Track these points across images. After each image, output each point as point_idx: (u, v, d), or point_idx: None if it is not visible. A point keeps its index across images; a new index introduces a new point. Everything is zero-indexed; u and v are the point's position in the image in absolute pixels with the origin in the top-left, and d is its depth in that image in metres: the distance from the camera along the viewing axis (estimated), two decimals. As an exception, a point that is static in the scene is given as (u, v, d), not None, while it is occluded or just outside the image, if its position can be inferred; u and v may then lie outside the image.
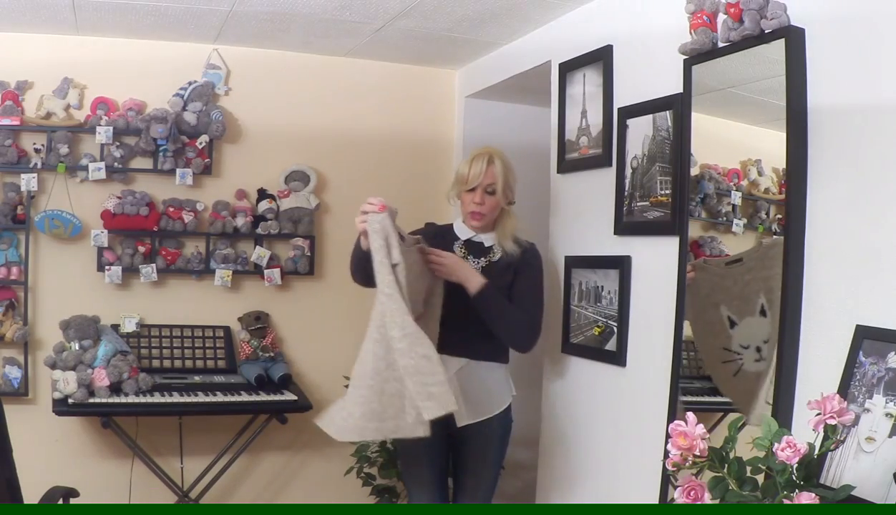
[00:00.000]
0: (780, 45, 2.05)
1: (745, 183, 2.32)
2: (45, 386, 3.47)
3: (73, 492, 2.41)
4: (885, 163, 1.83)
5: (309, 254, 3.90)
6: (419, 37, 3.60)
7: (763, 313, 2.25)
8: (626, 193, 2.77)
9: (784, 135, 2.05)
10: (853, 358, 1.83)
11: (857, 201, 1.90)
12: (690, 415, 1.56)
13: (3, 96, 3.48)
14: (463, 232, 2.75)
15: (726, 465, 1.55)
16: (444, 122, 4.23)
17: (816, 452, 1.53)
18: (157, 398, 3.27)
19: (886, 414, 1.72)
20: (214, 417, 3.61)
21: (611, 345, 2.80)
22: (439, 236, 2.72)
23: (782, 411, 2.01)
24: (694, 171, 2.43)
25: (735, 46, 2.21)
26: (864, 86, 1.89)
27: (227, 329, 3.80)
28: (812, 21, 2.03)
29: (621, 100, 2.83)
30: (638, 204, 2.70)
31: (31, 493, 2.36)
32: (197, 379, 3.52)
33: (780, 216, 2.17)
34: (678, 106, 2.49)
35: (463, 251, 2.69)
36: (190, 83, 3.74)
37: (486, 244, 2.72)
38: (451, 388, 2.13)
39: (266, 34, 3.62)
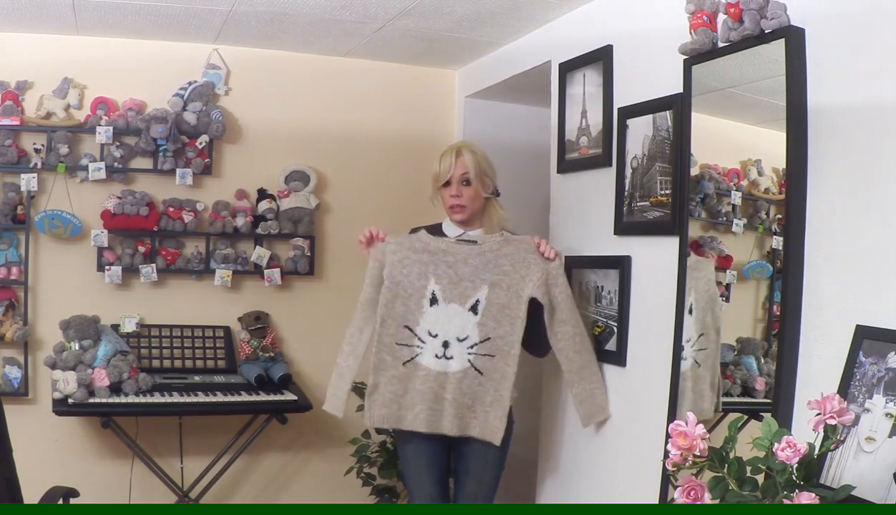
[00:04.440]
0: (780, 45, 2.05)
1: (745, 183, 2.32)
2: (45, 386, 3.47)
3: (73, 492, 2.41)
4: (885, 163, 1.83)
5: (309, 254, 3.90)
6: (419, 37, 3.60)
7: (689, 311, 2.41)
8: (626, 193, 2.77)
9: (784, 135, 2.05)
10: (853, 358, 1.83)
11: (857, 201, 1.90)
12: (690, 415, 1.56)
13: (3, 96, 3.48)
14: (452, 230, 2.74)
15: (726, 465, 1.55)
16: (444, 122, 4.23)
17: (816, 452, 1.53)
18: (157, 398, 3.27)
19: (886, 414, 1.72)
20: (214, 417, 3.62)
21: (611, 345, 2.80)
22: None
23: (782, 411, 2.01)
24: (694, 171, 2.43)
25: (735, 46, 2.21)
26: (864, 85, 1.89)
27: (227, 329, 3.80)
28: (812, 21, 2.02)
29: (621, 100, 2.83)
30: (638, 204, 2.70)
31: (31, 493, 2.36)
32: (197, 379, 3.52)
33: (780, 216, 2.17)
34: (678, 106, 2.48)
35: None
36: (190, 83, 3.74)
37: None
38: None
39: (266, 34, 3.62)
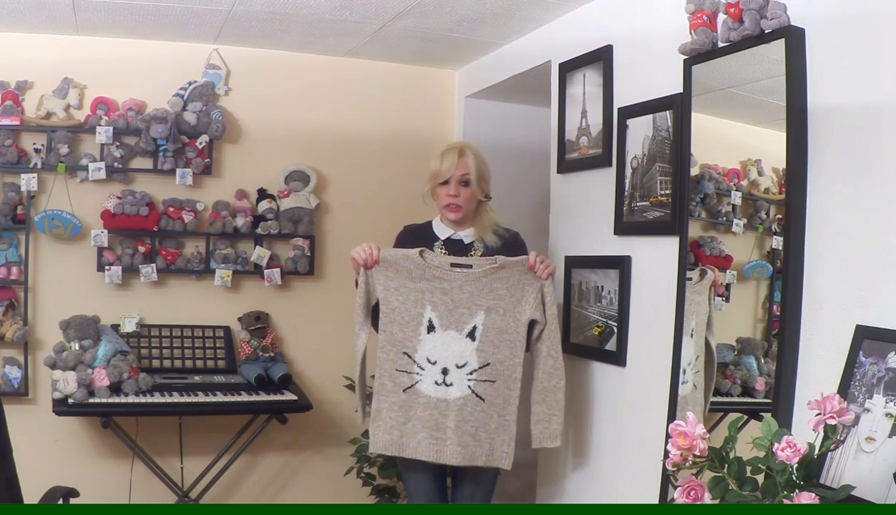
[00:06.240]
0: (780, 45, 2.05)
1: (745, 183, 2.32)
2: (45, 386, 3.47)
3: (73, 492, 2.41)
4: (885, 163, 1.83)
5: (309, 254, 3.90)
6: (419, 37, 3.61)
7: (691, 335, 2.39)
8: (626, 193, 2.77)
9: (784, 135, 2.05)
10: (853, 358, 1.83)
11: (857, 201, 1.90)
12: (690, 415, 1.56)
13: (3, 96, 3.48)
14: (442, 231, 2.75)
15: (726, 465, 1.55)
16: (444, 122, 4.23)
17: (816, 452, 1.53)
18: (157, 398, 3.27)
19: (886, 414, 1.72)
20: (214, 417, 3.61)
21: (611, 345, 2.80)
22: (419, 238, 2.72)
23: (782, 411, 2.01)
24: (694, 171, 2.43)
25: (735, 46, 2.21)
26: (864, 86, 1.89)
27: (227, 329, 3.80)
28: (812, 21, 2.03)
29: (621, 100, 2.83)
30: (638, 204, 2.70)
31: (31, 493, 2.36)
32: (197, 379, 3.52)
33: (780, 216, 2.17)
34: (678, 106, 2.49)
35: (444, 250, 2.69)
36: (190, 83, 3.74)
37: (467, 241, 2.71)
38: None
39: (266, 34, 3.62)
